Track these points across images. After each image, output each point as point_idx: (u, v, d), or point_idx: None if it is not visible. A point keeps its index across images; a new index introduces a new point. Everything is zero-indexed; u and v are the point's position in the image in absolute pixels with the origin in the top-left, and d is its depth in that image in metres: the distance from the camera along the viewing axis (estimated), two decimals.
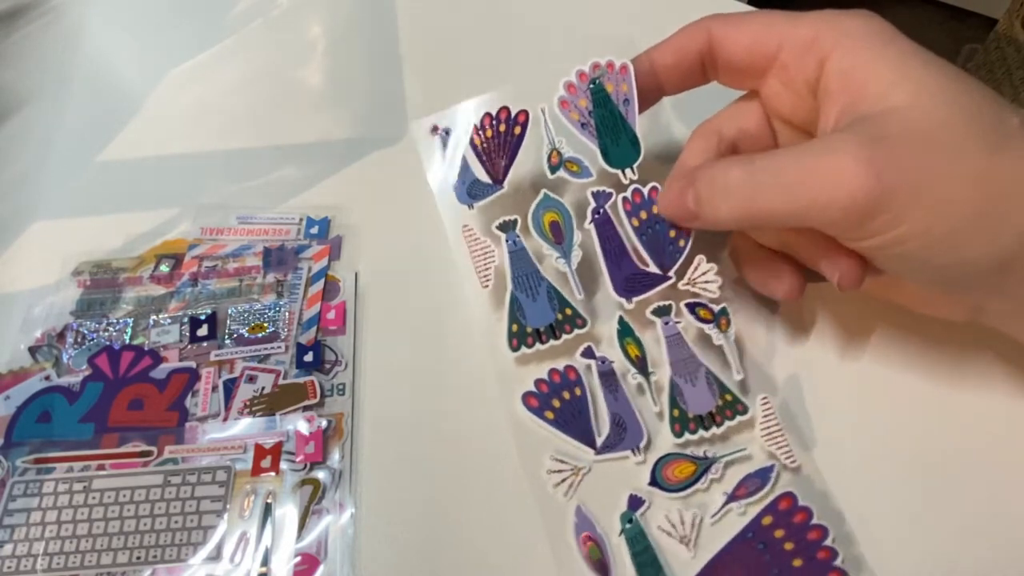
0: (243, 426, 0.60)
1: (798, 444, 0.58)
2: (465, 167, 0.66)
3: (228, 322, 0.66)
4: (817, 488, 0.56)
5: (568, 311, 0.61)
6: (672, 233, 0.61)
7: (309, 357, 0.64)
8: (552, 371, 0.60)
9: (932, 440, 0.60)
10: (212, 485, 0.57)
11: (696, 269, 0.61)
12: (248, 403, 0.61)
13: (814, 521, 0.53)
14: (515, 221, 0.64)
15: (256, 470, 0.58)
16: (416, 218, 0.75)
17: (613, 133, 0.64)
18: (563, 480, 0.57)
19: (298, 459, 0.58)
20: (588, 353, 0.61)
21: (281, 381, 0.62)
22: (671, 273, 0.61)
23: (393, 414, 0.62)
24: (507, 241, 0.63)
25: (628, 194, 0.62)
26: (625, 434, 0.58)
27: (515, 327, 0.61)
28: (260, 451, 0.59)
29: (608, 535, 0.55)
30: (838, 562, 0.52)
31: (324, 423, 0.60)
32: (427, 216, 0.75)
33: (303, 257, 0.70)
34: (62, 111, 0.85)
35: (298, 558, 0.54)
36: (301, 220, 0.73)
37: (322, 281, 0.69)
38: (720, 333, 0.60)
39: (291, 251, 0.71)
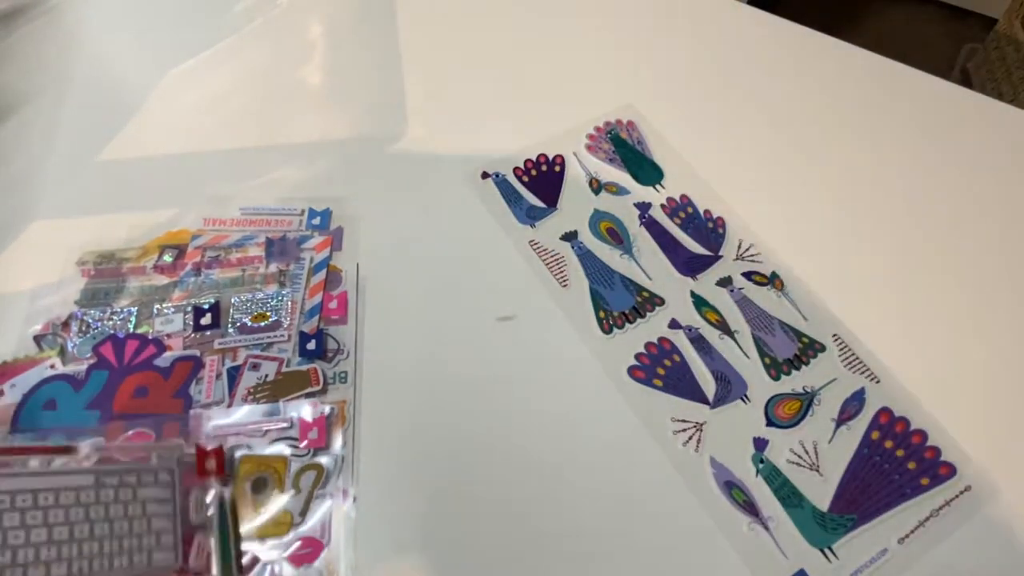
0: (247, 413, 0.60)
1: (875, 364, 0.66)
2: (519, 196, 0.78)
3: (231, 311, 0.66)
4: (905, 397, 0.65)
5: (645, 294, 0.70)
6: (710, 224, 0.75)
7: (312, 345, 0.64)
8: (648, 344, 0.68)
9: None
10: (155, 487, 0.54)
11: (741, 246, 0.74)
12: (252, 390, 0.61)
13: (913, 427, 0.63)
14: (575, 232, 0.75)
15: (201, 472, 0.56)
16: (416, 211, 0.76)
17: (637, 163, 0.80)
18: (689, 437, 0.62)
19: (302, 445, 0.58)
20: (675, 324, 0.69)
21: (284, 369, 0.63)
22: (720, 253, 0.74)
23: (395, 401, 0.63)
24: (573, 248, 0.73)
25: (664, 201, 0.77)
26: (731, 386, 0.65)
27: (602, 313, 0.69)
28: (202, 453, 0.57)
29: (744, 478, 0.61)
30: (944, 457, 0.61)
31: (327, 410, 0.60)
32: (427, 210, 0.76)
33: (305, 247, 0.71)
34: (63, 109, 0.86)
35: (299, 542, 0.55)
36: (303, 211, 0.74)
37: (324, 271, 0.69)
38: (778, 291, 0.71)
39: (293, 241, 0.71)
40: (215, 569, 0.53)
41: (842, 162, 0.81)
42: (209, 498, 0.56)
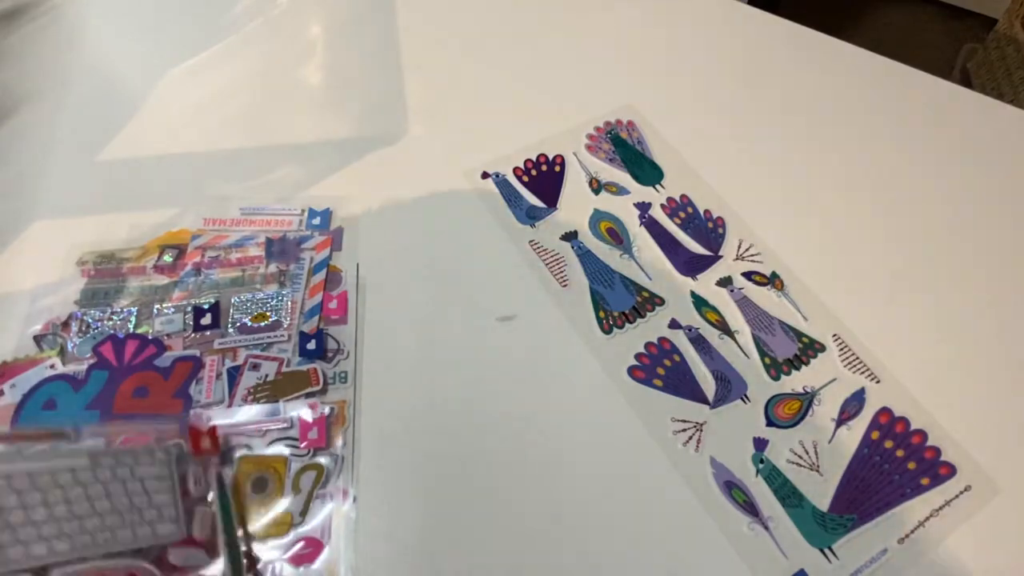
0: (247, 413, 0.60)
1: (875, 364, 0.66)
2: (519, 196, 0.77)
3: (231, 311, 0.66)
4: (905, 397, 0.64)
5: (645, 294, 0.70)
6: (710, 224, 0.75)
7: (312, 345, 0.64)
8: (648, 344, 0.67)
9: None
10: (152, 466, 0.54)
11: (741, 246, 0.74)
12: (252, 390, 0.61)
13: (913, 427, 0.63)
14: (575, 232, 0.75)
15: (198, 450, 0.57)
16: (416, 211, 0.76)
17: (637, 163, 0.80)
18: (689, 437, 0.62)
19: (302, 445, 0.58)
20: (675, 324, 0.69)
21: (284, 369, 0.63)
22: (720, 253, 0.74)
23: (395, 401, 0.63)
24: (573, 248, 0.73)
25: (664, 201, 0.77)
26: (731, 386, 0.65)
27: (602, 313, 0.69)
28: (196, 433, 0.58)
29: (744, 478, 0.60)
30: (944, 457, 0.61)
31: (327, 410, 0.60)
32: (427, 209, 0.76)
33: (305, 247, 0.71)
34: (63, 109, 0.86)
35: (299, 543, 0.55)
36: (303, 211, 0.74)
37: (324, 271, 0.69)
38: (778, 291, 0.71)
39: (293, 241, 0.71)
40: (220, 539, 0.54)
41: (842, 162, 0.81)
42: (208, 474, 0.56)
